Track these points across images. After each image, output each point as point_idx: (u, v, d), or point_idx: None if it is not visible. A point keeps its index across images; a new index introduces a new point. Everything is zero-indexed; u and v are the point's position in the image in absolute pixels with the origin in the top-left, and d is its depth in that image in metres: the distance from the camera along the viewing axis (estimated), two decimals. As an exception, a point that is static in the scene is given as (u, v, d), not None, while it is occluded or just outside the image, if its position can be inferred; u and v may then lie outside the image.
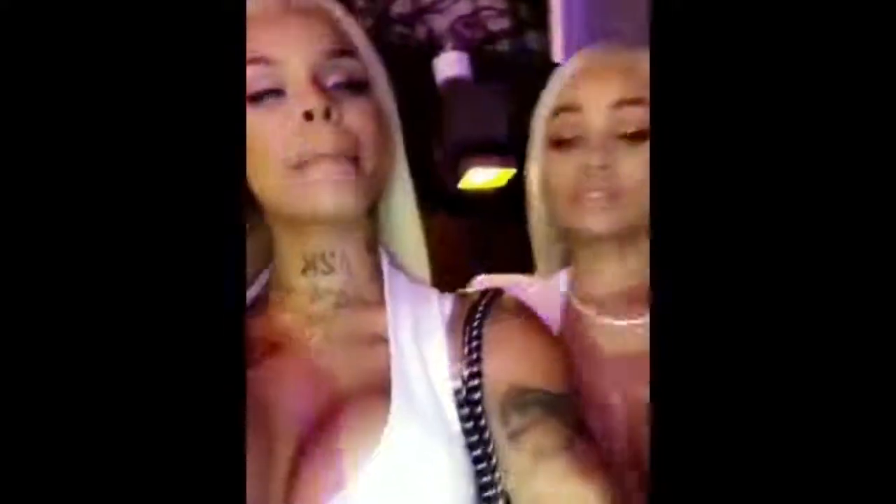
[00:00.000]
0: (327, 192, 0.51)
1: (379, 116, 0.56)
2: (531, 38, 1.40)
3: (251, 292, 0.61)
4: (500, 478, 0.52)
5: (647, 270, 0.67)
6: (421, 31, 1.36)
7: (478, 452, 0.52)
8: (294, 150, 0.52)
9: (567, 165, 0.68)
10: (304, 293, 0.57)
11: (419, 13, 1.36)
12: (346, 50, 0.56)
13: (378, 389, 0.52)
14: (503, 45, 1.39)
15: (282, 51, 0.53)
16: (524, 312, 0.58)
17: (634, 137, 0.67)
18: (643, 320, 0.69)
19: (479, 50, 1.35)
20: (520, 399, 0.51)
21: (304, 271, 0.57)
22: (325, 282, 0.57)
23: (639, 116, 0.67)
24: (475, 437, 0.52)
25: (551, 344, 0.56)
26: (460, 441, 0.52)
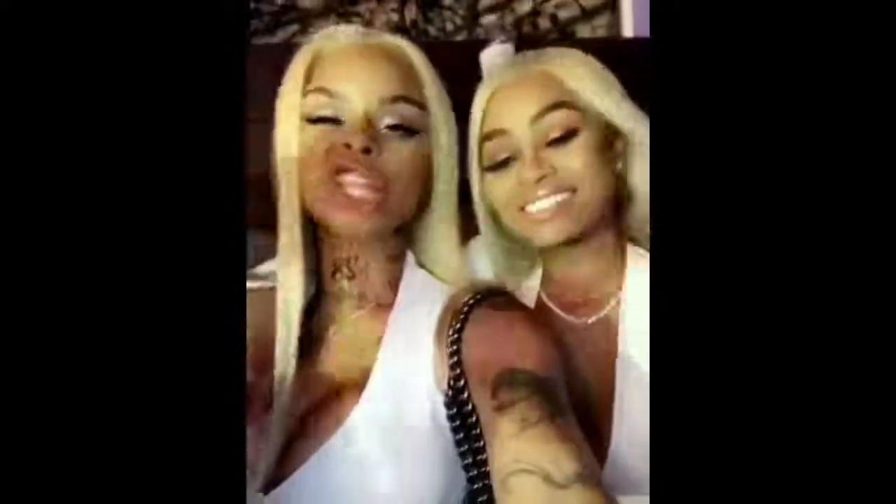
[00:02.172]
0: (352, 212, 0.59)
1: (421, 159, 0.64)
2: (599, 23, 1.42)
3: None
4: (486, 472, 0.55)
5: (605, 269, 0.72)
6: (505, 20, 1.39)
7: (464, 448, 0.57)
8: (333, 170, 0.60)
9: (507, 183, 0.71)
10: (332, 295, 0.66)
11: (507, 3, 1.40)
12: (406, 96, 0.62)
13: (359, 387, 0.59)
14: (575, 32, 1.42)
15: (346, 87, 0.61)
16: (513, 305, 0.63)
17: (563, 139, 0.69)
18: (596, 318, 0.72)
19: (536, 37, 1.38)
20: (510, 378, 0.55)
21: (332, 274, 0.66)
22: (347, 286, 0.66)
23: (562, 118, 0.69)
24: (461, 435, 0.57)
25: (538, 332, 0.60)
26: (431, 447, 0.57)
